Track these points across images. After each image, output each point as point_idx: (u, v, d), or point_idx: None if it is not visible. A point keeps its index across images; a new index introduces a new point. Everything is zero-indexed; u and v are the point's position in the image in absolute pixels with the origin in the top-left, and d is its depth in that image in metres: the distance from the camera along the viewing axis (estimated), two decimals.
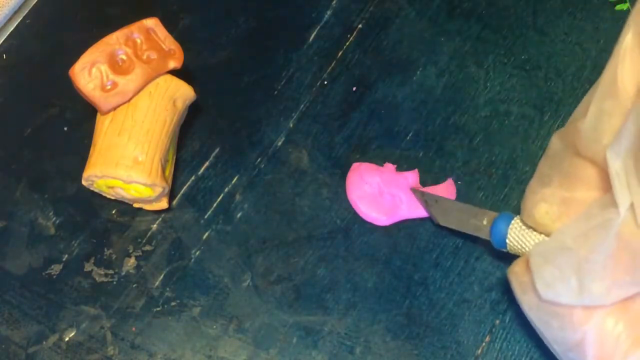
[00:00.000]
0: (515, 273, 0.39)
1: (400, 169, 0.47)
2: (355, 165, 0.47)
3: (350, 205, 0.47)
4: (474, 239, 0.45)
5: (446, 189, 0.46)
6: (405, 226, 0.46)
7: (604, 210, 0.34)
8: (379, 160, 0.47)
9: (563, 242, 0.35)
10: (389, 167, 0.47)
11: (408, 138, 0.48)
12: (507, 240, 0.40)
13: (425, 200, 0.45)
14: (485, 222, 0.42)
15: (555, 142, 0.39)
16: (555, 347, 0.37)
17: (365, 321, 0.44)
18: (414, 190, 0.45)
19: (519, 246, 0.39)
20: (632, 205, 0.33)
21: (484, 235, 0.42)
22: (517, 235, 0.39)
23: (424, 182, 0.47)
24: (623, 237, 0.33)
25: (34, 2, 0.54)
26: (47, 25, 0.54)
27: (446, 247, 0.45)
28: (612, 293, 0.34)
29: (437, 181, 0.47)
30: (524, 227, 0.39)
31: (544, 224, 0.38)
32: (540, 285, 0.36)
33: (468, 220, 0.43)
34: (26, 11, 0.54)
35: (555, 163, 0.38)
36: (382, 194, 0.46)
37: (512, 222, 0.40)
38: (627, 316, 0.35)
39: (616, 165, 0.33)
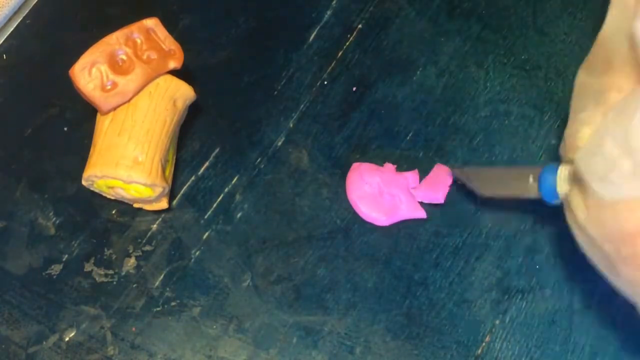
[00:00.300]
0: (568, 203, 0.37)
1: (400, 169, 0.47)
2: (355, 165, 0.47)
3: (350, 205, 0.47)
4: (475, 239, 0.45)
5: (439, 173, 0.46)
6: (405, 226, 0.46)
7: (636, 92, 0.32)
8: (379, 160, 0.47)
9: (602, 132, 0.34)
10: (389, 167, 0.47)
11: (408, 138, 0.48)
12: (558, 189, 0.38)
13: (467, 175, 0.44)
14: (531, 180, 0.40)
15: (581, 74, 0.38)
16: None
17: (365, 321, 0.44)
18: (452, 169, 0.45)
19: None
20: None
21: (532, 194, 0.40)
22: (566, 183, 0.38)
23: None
24: None
25: (34, 2, 0.54)
26: (47, 25, 0.54)
27: (446, 247, 0.45)
28: None
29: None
30: (570, 173, 0.38)
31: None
32: (595, 184, 0.34)
33: (513, 182, 0.42)
34: (26, 11, 0.54)
35: (585, 91, 0.38)
36: (382, 194, 0.46)
37: (560, 168, 0.39)
38: None
39: None
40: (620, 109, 0.34)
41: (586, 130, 0.37)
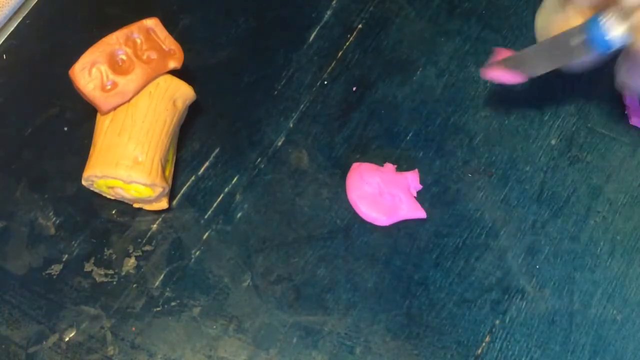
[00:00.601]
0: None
1: (400, 169, 0.47)
2: (355, 165, 0.47)
3: (350, 205, 0.47)
4: (475, 239, 0.45)
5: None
6: (405, 226, 0.46)
7: None
8: (379, 160, 0.47)
9: None
10: (389, 167, 0.47)
11: (408, 138, 0.48)
12: (610, 36, 0.39)
13: (513, 63, 0.44)
14: (576, 40, 0.41)
15: None
16: None
17: (365, 321, 0.44)
18: (497, 63, 0.45)
19: (620, 32, 0.39)
20: None
21: (584, 53, 0.41)
22: (614, 24, 0.39)
23: (424, 182, 0.47)
24: None
25: (34, 2, 0.54)
26: (47, 25, 0.54)
27: (446, 247, 0.45)
28: None
29: (437, 181, 0.47)
30: (614, 15, 0.39)
31: None
32: None
33: (559, 51, 0.42)
34: (26, 11, 0.54)
35: None
36: (382, 194, 0.46)
37: (602, 18, 0.39)
38: None
39: None
40: None
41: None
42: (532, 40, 0.50)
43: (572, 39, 0.41)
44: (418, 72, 0.50)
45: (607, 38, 0.39)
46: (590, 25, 0.40)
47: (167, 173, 0.46)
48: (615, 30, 0.39)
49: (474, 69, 0.50)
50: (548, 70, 0.44)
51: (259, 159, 0.49)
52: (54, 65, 0.51)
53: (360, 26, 0.52)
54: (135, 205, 0.47)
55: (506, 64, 0.45)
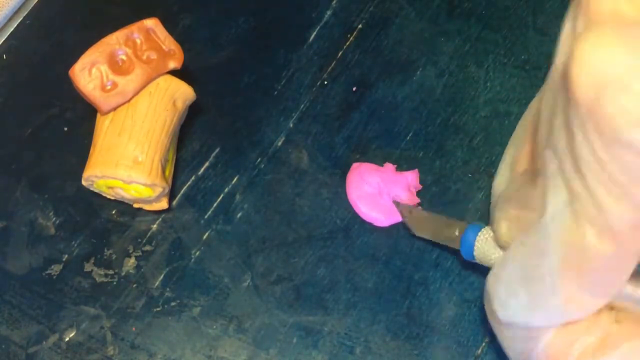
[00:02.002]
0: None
1: (400, 169, 0.47)
2: (355, 165, 0.47)
3: (350, 205, 0.47)
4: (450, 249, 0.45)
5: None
6: (405, 226, 0.46)
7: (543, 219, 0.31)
8: (379, 160, 0.47)
9: (512, 257, 0.34)
10: (389, 167, 0.47)
11: (408, 138, 0.48)
12: (475, 252, 0.39)
13: (400, 210, 0.45)
14: (457, 233, 0.41)
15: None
16: None
17: (365, 321, 0.44)
18: (395, 203, 0.45)
19: (486, 257, 0.39)
20: (568, 201, 0.28)
21: (456, 246, 0.41)
22: (482, 246, 0.39)
23: (424, 182, 0.47)
24: (567, 242, 0.29)
25: (34, 2, 0.54)
26: (47, 25, 0.54)
27: (446, 247, 0.45)
28: (569, 310, 0.31)
29: (437, 181, 0.47)
30: (489, 238, 0.38)
31: (507, 241, 0.36)
32: (497, 306, 0.34)
33: (442, 231, 0.42)
34: (26, 11, 0.54)
35: (512, 184, 0.38)
36: (382, 194, 0.46)
37: (480, 233, 0.39)
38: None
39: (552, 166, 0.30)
40: (523, 240, 0.33)
41: (505, 224, 0.36)
42: (532, 40, 0.50)
43: (457, 229, 0.41)
44: (418, 72, 0.50)
45: (472, 251, 0.39)
46: (468, 230, 0.39)
47: (167, 173, 0.46)
48: (478, 251, 0.39)
49: (474, 69, 0.50)
50: (427, 237, 0.44)
51: (259, 159, 0.49)
52: (54, 65, 0.51)
53: (360, 26, 0.52)
54: (135, 205, 0.47)
55: (400, 207, 0.45)
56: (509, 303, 0.33)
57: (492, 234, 0.38)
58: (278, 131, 0.49)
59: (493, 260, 0.38)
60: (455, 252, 0.44)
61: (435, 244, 0.45)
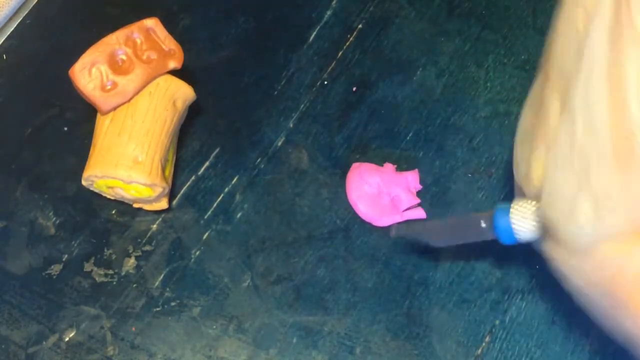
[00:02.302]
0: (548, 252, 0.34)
1: (400, 169, 0.47)
2: (355, 165, 0.47)
3: (350, 205, 0.47)
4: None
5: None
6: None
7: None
8: (379, 160, 0.47)
9: (553, 172, 0.31)
10: (389, 167, 0.47)
11: (408, 138, 0.48)
12: (515, 231, 0.37)
13: (413, 231, 0.42)
14: (483, 225, 0.39)
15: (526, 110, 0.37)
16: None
17: (365, 321, 0.44)
18: (397, 230, 0.42)
19: (528, 231, 0.36)
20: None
21: (488, 237, 0.39)
22: (520, 222, 0.36)
23: (424, 182, 0.47)
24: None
25: (34, 2, 0.54)
26: (47, 25, 0.54)
27: (446, 247, 0.45)
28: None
29: (437, 181, 0.47)
30: (523, 210, 0.36)
31: (538, 174, 0.34)
32: (563, 232, 0.31)
33: (464, 230, 0.40)
34: (26, 11, 0.54)
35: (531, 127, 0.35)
36: (381, 194, 0.46)
37: (511, 212, 0.37)
38: None
39: None
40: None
41: (539, 170, 0.33)
42: (532, 40, 0.50)
43: (482, 221, 0.38)
44: (418, 72, 0.50)
45: (512, 232, 0.37)
46: (497, 215, 0.37)
47: (167, 173, 0.46)
48: (522, 225, 0.36)
49: (474, 69, 0.50)
50: (452, 244, 0.41)
51: (259, 159, 0.49)
52: (54, 65, 0.51)
53: (360, 26, 0.52)
54: (135, 205, 0.47)
55: (407, 229, 0.42)
56: (575, 221, 0.30)
57: (522, 205, 0.36)
58: (278, 131, 0.49)
59: (535, 231, 0.36)
60: (470, 247, 0.42)
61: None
